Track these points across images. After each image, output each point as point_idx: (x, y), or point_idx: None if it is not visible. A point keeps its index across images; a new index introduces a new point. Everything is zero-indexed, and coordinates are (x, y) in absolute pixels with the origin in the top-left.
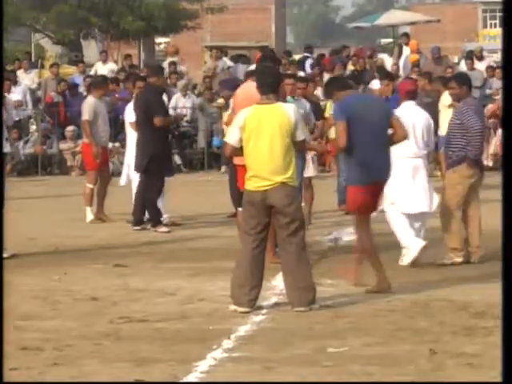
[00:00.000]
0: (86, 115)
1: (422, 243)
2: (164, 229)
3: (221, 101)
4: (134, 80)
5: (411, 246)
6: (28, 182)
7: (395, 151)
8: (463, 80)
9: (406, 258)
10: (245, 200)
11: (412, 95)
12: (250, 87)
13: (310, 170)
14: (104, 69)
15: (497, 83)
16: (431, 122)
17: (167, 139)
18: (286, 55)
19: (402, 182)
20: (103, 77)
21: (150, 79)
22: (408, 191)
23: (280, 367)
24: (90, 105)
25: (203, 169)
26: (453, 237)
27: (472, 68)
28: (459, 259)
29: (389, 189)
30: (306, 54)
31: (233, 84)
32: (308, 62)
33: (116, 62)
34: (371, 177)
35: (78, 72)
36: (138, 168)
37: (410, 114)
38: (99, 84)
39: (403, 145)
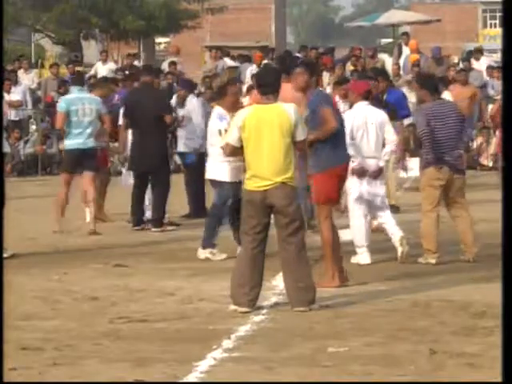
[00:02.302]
0: None
1: (367, 260)
2: (171, 227)
3: None
4: (134, 79)
5: (360, 253)
6: (28, 182)
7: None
8: (423, 82)
9: (355, 258)
10: (244, 200)
11: (366, 95)
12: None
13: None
14: (104, 69)
15: (497, 83)
16: (384, 120)
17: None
18: (287, 55)
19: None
20: (104, 77)
21: (145, 78)
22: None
23: (280, 367)
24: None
25: None
26: (427, 239)
27: (470, 69)
28: (433, 260)
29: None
30: (297, 55)
31: (189, 84)
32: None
33: (116, 61)
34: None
35: (69, 73)
36: (161, 167)
37: (363, 115)
38: (100, 84)
39: (356, 145)
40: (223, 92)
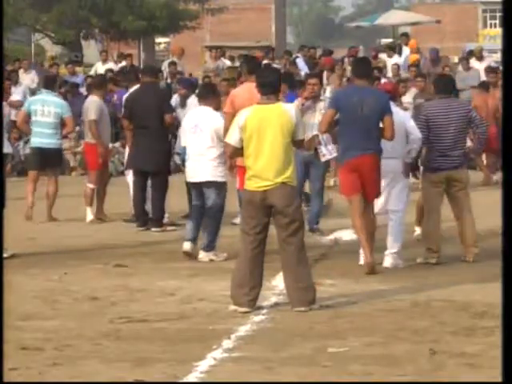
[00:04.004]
0: (92, 115)
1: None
2: (172, 227)
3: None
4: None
5: (361, 252)
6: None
7: None
8: (434, 80)
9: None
10: (245, 200)
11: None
12: (251, 87)
13: None
14: (103, 69)
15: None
16: (406, 119)
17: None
18: (286, 55)
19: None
20: (103, 76)
21: (146, 79)
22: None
23: (280, 367)
24: (96, 105)
25: None
26: (428, 238)
27: (468, 68)
28: (433, 260)
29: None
30: (296, 55)
31: (189, 83)
32: (300, 61)
33: (116, 62)
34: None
35: (68, 73)
36: (163, 166)
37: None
38: (101, 84)
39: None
40: (214, 92)
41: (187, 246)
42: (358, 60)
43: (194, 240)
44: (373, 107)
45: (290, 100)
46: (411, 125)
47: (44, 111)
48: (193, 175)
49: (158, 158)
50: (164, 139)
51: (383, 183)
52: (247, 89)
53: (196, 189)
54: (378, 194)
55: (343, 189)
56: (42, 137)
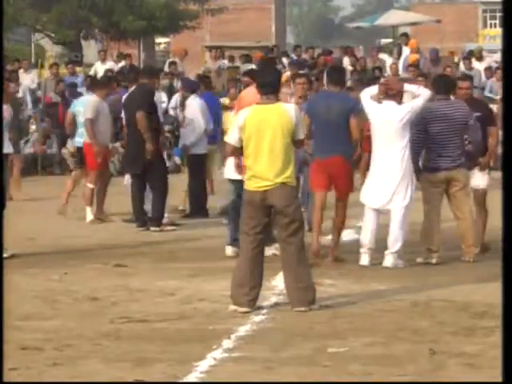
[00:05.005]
0: (89, 114)
1: (365, 262)
2: (171, 227)
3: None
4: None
5: (361, 252)
6: (28, 182)
7: (374, 143)
8: (432, 81)
9: (362, 259)
10: (245, 200)
11: (391, 94)
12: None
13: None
14: (103, 68)
15: (497, 85)
16: (406, 112)
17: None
18: (284, 56)
19: (372, 175)
20: (107, 77)
21: (143, 80)
22: (373, 185)
23: (280, 367)
24: (93, 104)
25: None
26: (428, 238)
27: (470, 68)
28: (433, 260)
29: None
30: (292, 55)
31: (191, 84)
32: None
33: (116, 61)
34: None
35: (68, 74)
36: (137, 168)
37: (389, 112)
38: (103, 84)
39: (383, 137)
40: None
41: (229, 250)
42: (333, 68)
43: (235, 241)
44: (339, 112)
45: (207, 98)
46: (413, 105)
47: (80, 111)
48: (232, 173)
49: (144, 159)
50: (151, 140)
51: (388, 178)
52: (253, 91)
53: (234, 185)
54: (348, 191)
55: (311, 183)
56: (81, 136)
